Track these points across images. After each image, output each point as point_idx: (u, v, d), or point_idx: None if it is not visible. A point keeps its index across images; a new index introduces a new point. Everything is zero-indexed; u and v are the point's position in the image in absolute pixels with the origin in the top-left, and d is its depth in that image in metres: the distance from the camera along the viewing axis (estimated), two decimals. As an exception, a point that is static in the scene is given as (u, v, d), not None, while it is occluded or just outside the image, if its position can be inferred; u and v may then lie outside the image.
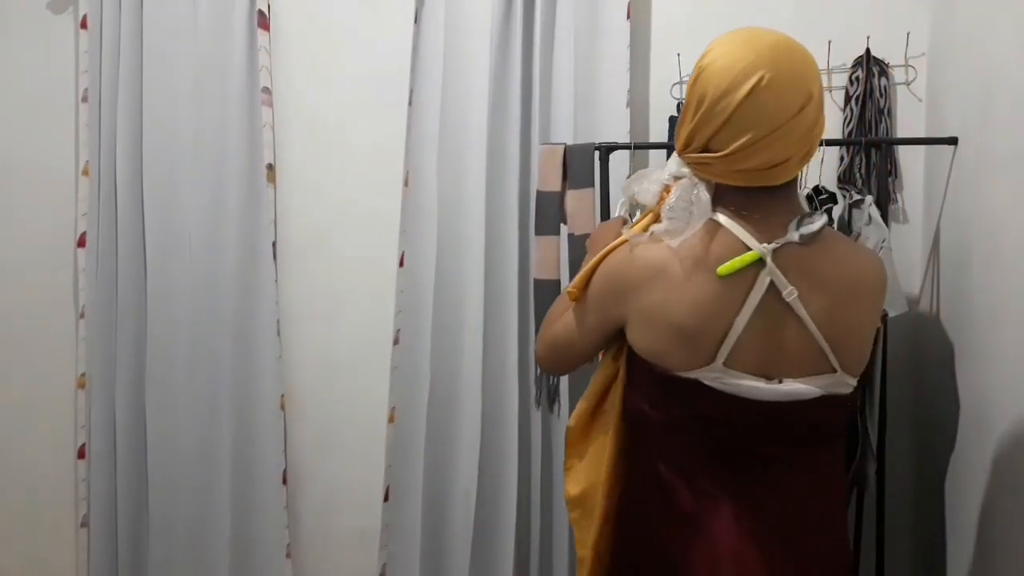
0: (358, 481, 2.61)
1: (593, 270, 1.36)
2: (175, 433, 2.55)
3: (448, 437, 2.44)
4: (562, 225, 2.12)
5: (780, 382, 1.25)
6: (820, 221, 1.25)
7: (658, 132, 2.39)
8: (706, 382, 1.25)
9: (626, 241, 1.32)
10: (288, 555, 2.57)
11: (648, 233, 1.28)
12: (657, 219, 1.30)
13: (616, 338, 1.38)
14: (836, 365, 1.27)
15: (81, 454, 2.61)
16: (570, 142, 2.20)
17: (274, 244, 2.55)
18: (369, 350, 2.58)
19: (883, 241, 1.80)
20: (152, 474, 2.56)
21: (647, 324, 1.27)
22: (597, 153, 2.07)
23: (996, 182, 1.65)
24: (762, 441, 1.29)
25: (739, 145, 1.20)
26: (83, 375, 2.60)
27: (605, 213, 2.09)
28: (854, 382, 1.30)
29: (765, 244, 1.23)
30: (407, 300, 2.48)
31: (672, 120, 2.36)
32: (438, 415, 2.43)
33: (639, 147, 2.15)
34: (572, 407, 2.30)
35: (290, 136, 2.60)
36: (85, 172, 2.57)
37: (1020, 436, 1.47)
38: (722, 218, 1.25)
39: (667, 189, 1.29)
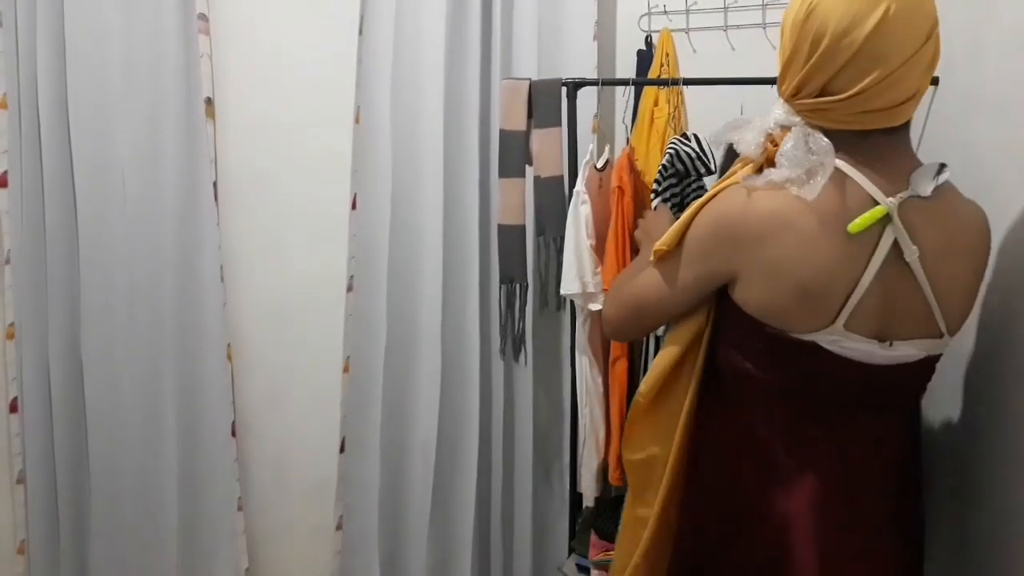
0: (312, 432, 2.52)
1: (690, 220, 1.23)
2: (115, 386, 2.42)
3: (406, 387, 2.36)
4: (527, 167, 2.00)
5: (891, 345, 1.19)
6: (947, 172, 1.16)
7: (626, 67, 2.27)
8: (823, 344, 1.16)
9: (735, 184, 1.19)
10: (239, 508, 2.49)
11: (762, 177, 1.15)
12: (759, 171, 1.18)
13: (707, 296, 1.29)
14: (943, 328, 1.21)
15: (13, 407, 2.46)
16: (534, 77, 2.08)
17: (215, 184, 2.40)
18: (321, 297, 2.46)
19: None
20: (92, 428, 2.43)
21: (766, 281, 1.15)
22: (564, 89, 1.95)
23: (984, 126, 1.58)
24: (860, 402, 1.24)
25: (865, 84, 1.09)
26: (11, 325, 2.43)
27: (573, 154, 1.98)
28: (948, 342, 1.26)
29: (891, 198, 1.13)
30: (360, 245, 2.35)
31: (640, 54, 2.25)
32: (395, 364, 2.34)
33: (608, 83, 2.04)
34: (537, 355, 2.25)
35: (230, 67, 2.42)
36: (2, 104, 2.36)
37: (993, 400, 1.44)
38: (843, 165, 1.14)
39: (771, 139, 1.16)
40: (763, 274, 1.16)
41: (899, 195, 1.15)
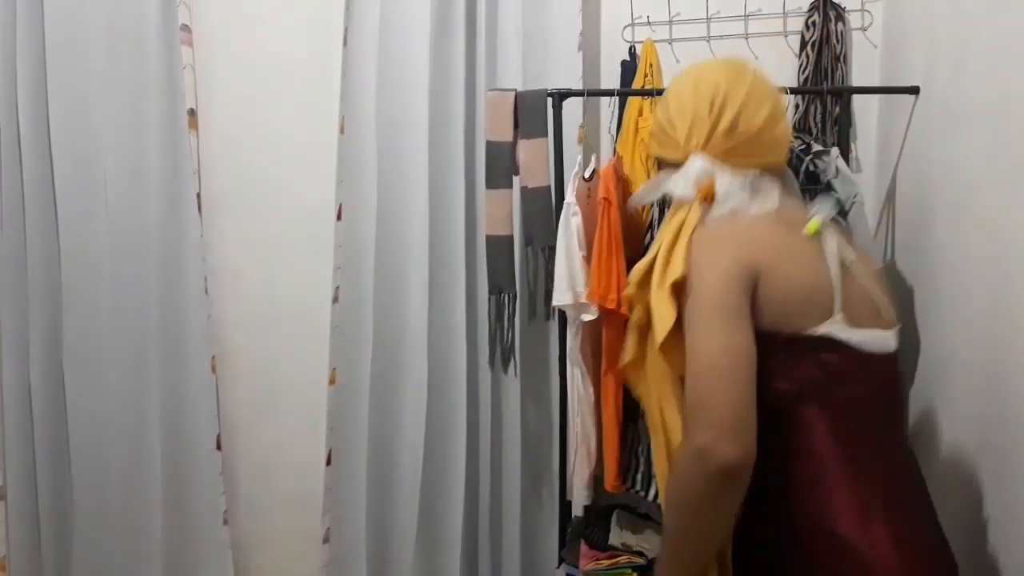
0: (298, 444, 2.51)
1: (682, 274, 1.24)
2: (98, 398, 2.40)
3: (393, 398, 2.35)
4: (514, 177, 2.01)
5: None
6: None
7: (610, 77, 2.29)
8: (837, 336, 1.23)
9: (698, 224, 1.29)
10: (225, 521, 2.46)
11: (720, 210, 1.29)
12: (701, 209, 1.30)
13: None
14: (893, 319, 1.34)
15: (-7, 422, 2.43)
16: (519, 87, 2.08)
17: (198, 196, 2.38)
18: (306, 308, 2.46)
19: (854, 196, 1.75)
20: (74, 441, 2.41)
21: (781, 273, 1.23)
22: (550, 100, 1.96)
23: (966, 135, 1.60)
24: (878, 401, 1.29)
25: (767, 114, 1.34)
26: (-9, 338, 2.40)
27: (559, 164, 1.99)
28: None
29: (815, 216, 1.31)
30: (346, 255, 2.34)
31: (624, 64, 2.27)
32: (382, 375, 2.33)
33: (593, 94, 2.05)
34: (525, 365, 2.25)
35: (213, 78, 2.41)
36: (-18, 117, 2.33)
37: (993, 410, 1.46)
38: (775, 194, 1.34)
39: (698, 185, 1.31)
40: (776, 266, 1.23)
41: (813, 213, 1.32)
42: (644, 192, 1.43)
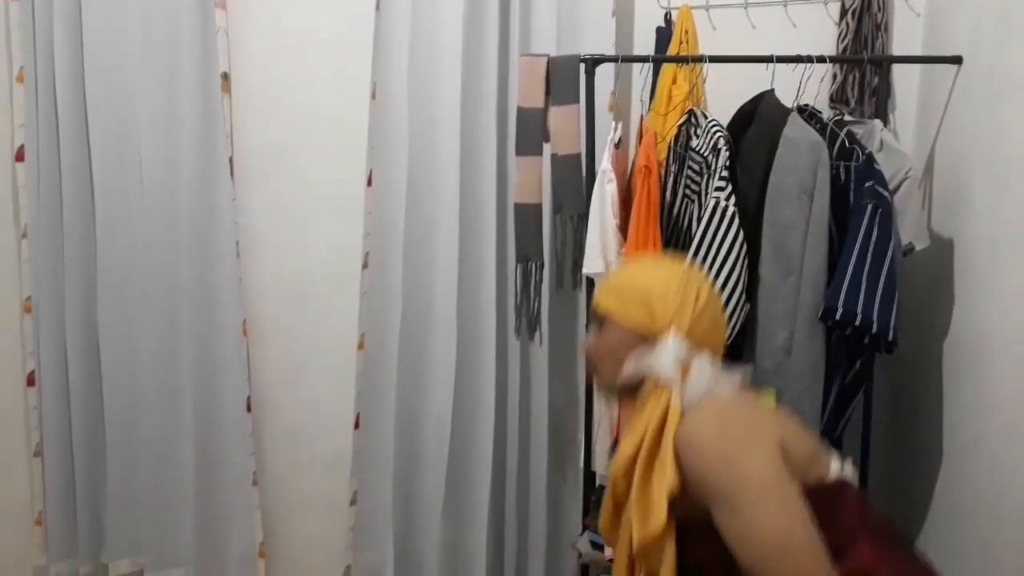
0: (327, 408, 2.53)
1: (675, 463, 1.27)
2: (131, 360, 2.44)
3: (421, 364, 2.36)
4: (544, 144, 1.99)
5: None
6: None
7: (644, 44, 2.25)
8: (842, 475, 1.30)
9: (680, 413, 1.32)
10: (255, 482, 2.51)
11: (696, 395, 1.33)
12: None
13: None
14: None
15: (31, 381, 2.49)
16: (552, 53, 2.06)
17: (231, 159, 2.40)
18: (336, 273, 2.46)
19: (907, 171, 1.69)
20: (108, 402, 2.45)
21: (792, 447, 1.26)
22: (583, 66, 1.94)
23: (1011, 106, 1.56)
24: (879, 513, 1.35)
25: (722, 308, 1.48)
26: (28, 299, 2.45)
27: (591, 131, 1.97)
28: None
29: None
30: (376, 221, 2.35)
31: (660, 31, 2.23)
32: (410, 341, 2.34)
33: (627, 60, 2.02)
34: (552, 334, 2.25)
35: (246, 42, 2.41)
36: (19, 79, 2.36)
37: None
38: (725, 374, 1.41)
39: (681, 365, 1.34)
40: (787, 434, 1.28)
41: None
42: (626, 370, 1.42)
